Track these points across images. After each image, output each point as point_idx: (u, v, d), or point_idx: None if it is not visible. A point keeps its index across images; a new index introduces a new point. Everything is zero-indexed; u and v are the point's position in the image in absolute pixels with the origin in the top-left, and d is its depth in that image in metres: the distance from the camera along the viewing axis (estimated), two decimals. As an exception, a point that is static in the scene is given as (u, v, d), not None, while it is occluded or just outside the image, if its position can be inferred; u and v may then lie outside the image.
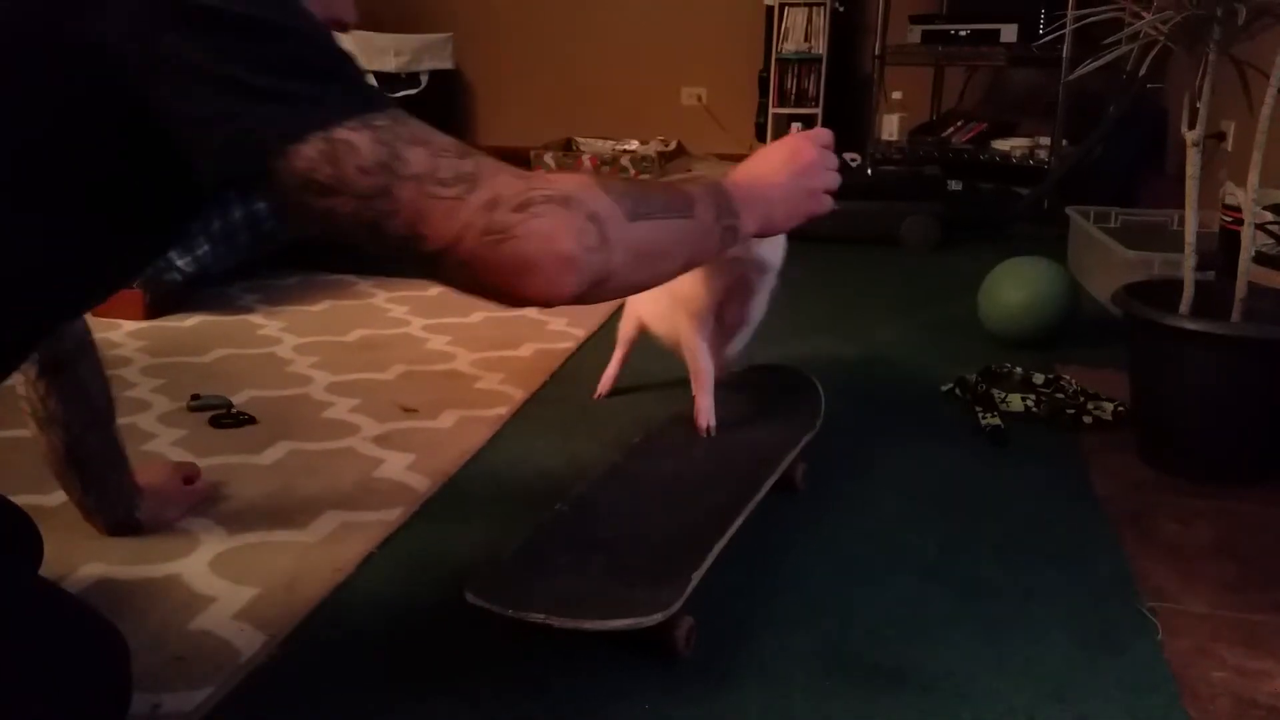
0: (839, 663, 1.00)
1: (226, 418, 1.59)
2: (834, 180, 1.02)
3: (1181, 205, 1.44)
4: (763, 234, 0.98)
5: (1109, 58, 1.44)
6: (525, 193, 0.71)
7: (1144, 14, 1.39)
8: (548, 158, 4.36)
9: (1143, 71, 1.52)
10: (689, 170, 4.51)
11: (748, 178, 0.97)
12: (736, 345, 1.46)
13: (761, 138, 4.56)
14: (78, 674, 0.76)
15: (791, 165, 0.99)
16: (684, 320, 1.40)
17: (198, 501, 1.31)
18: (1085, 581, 1.16)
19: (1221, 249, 1.94)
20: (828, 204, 1.03)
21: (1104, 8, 1.50)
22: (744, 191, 0.93)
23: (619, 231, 0.75)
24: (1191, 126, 1.39)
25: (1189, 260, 1.43)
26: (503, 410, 1.65)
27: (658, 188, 0.85)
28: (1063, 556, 1.21)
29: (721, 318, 1.41)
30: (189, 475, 1.32)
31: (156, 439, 1.52)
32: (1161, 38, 1.37)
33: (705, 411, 1.39)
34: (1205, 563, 1.20)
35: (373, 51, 3.44)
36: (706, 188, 0.89)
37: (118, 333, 2.04)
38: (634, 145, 4.75)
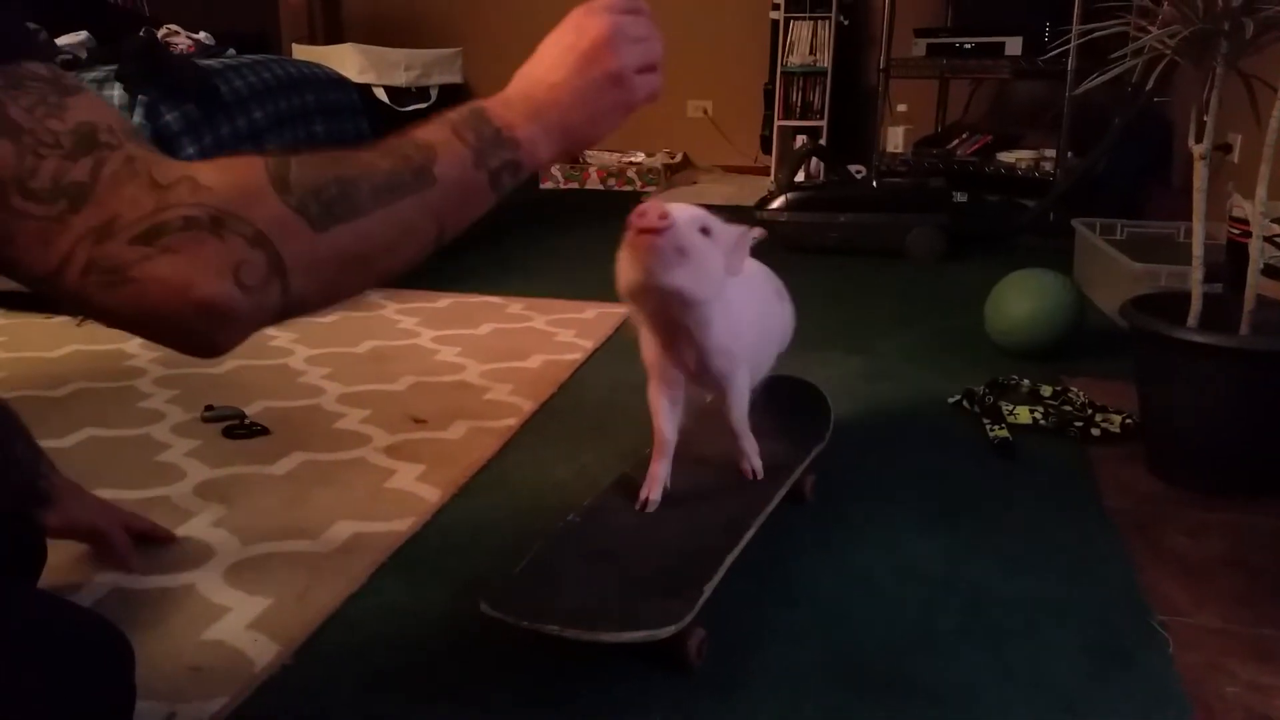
0: (849, 674, 1.01)
1: (240, 428, 1.60)
2: (647, 52, 0.77)
3: (1187, 217, 1.45)
4: (570, 149, 0.76)
5: (1115, 72, 1.45)
6: (157, 214, 0.53)
7: (1150, 27, 1.40)
8: (555, 170, 4.39)
9: (1149, 85, 1.53)
10: (694, 183, 4.53)
11: (524, 86, 0.75)
12: (734, 405, 1.23)
13: (767, 150, 4.58)
14: (80, 676, 0.76)
15: (578, 50, 0.75)
16: None
17: (120, 528, 1.18)
18: (1095, 594, 1.16)
19: (1229, 261, 1.94)
20: (648, 87, 0.77)
21: (1110, 22, 1.51)
22: (519, 109, 0.72)
23: (300, 250, 0.58)
24: (1199, 140, 1.40)
25: (1197, 273, 1.43)
26: (512, 421, 1.66)
27: (380, 157, 0.64)
28: (1072, 569, 1.22)
29: (683, 364, 1.19)
30: (133, 525, 1.21)
31: (170, 449, 1.53)
32: (1168, 52, 1.38)
33: (649, 480, 1.22)
34: (1216, 576, 1.20)
35: (384, 66, 3.46)
36: (461, 125, 0.69)
37: (131, 344, 2.05)
38: (640, 157, 4.77)
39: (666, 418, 1.22)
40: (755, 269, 1.36)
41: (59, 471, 1.15)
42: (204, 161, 0.58)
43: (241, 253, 0.55)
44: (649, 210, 1.00)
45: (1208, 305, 1.42)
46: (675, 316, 1.11)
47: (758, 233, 1.16)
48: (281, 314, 0.59)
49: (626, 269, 1.04)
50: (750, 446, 1.27)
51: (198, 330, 0.56)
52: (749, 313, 1.24)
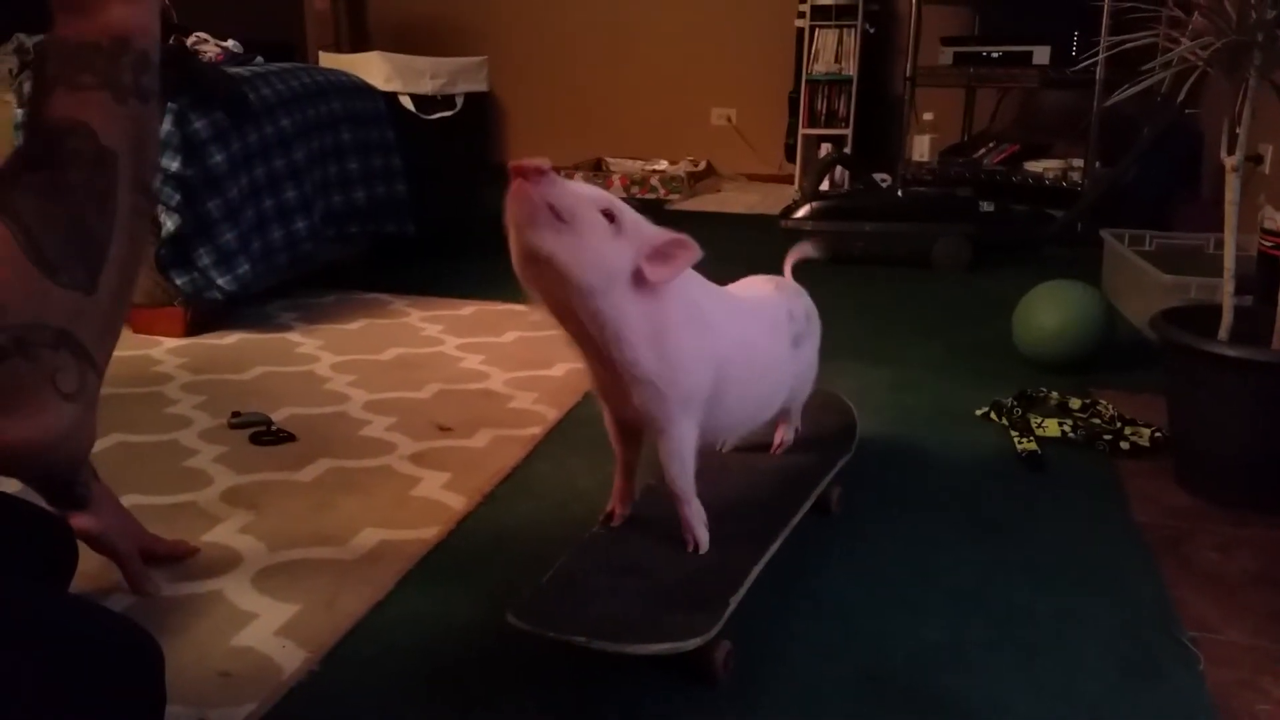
0: (876, 687, 1.00)
1: (267, 435, 1.61)
2: None
3: (1217, 229, 1.43)
4: None
5: (1145, 84, 1.44)
6: None
7: (1181, 38, 1.39)
8: (578, 177, 4.41)
9: (1180, 97, 1.52)
10: (718, 191, 4.53)
11: None
12: (666, 458, 1.07)
13: (791, 158, 4.58)
14: (110, 680, 0.76)
15: None
16: None
17: (137, 555, 1.16)
18: (1124, 609, 1.15)
19: (1260, 274, 1.92)
20: None
21: (1140, 34, 1.50)
22: (89, 7, 0.60)
23: (90, 324, 0.56)
24: (1231, 151, 1.38)
25: (1228, 285, 1.42)
26: (536, 430, 1.66)
27: (67, 172, 0.57)
28: (1101, 584, 1.20)
29: (606, 391, 1.07)
30: (154, 549, 1.20)
31: (198, 455, 1.55)
32: (1200, 63, 1.37)
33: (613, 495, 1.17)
34: (1247, 592, 1.19)
35: (410, 74, 3.49)
36: (71, 75, 0.59)
37: (158, 350, 2.07)
38: (663, 165, 4.78)
39: (618, 438, 1.14)
40: (765, 299, 1.25)
41: (99, 479, 1.16)
42: None
43: (51, 363, 0.54)
44: (530, 160, 0.87)
45: (1238, 318, 1.41)
46: (565, 306, 0.96)
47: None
48: (100, 385, 0.59)
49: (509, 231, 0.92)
50: (693, 514, 1.10)
51: (49, 462, 0.55)
52: (705, 342, 1.04)
